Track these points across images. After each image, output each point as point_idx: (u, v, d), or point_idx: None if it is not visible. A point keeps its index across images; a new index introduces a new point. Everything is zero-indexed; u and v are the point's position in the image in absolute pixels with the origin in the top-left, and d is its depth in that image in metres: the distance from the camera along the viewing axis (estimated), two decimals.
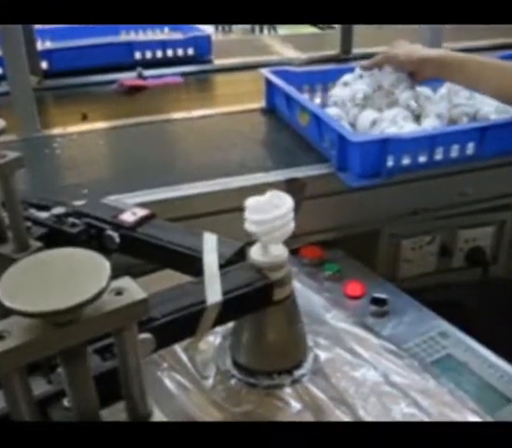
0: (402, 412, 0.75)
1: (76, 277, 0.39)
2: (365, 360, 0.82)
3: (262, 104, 1.41)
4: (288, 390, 0.76)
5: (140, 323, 0.57)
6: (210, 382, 0.78)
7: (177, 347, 0.80)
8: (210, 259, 0.70)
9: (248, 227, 0.70)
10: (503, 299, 1.27)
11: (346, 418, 0.73)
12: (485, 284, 1.31)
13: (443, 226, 1.27)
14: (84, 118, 1.40)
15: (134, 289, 0.42)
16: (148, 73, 1.66)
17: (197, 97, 1.62)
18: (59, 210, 0.80)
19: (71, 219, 0.80)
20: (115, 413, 0.48)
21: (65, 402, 0.50)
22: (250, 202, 0.70)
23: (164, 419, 0.48)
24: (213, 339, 0.84)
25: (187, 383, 0.77)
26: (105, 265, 0.40)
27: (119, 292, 0.42)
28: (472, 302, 1.27)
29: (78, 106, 1.45)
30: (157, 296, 0.64)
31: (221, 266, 0.70)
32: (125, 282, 0.42)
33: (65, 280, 0.39)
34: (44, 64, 1.62)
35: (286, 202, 0.71)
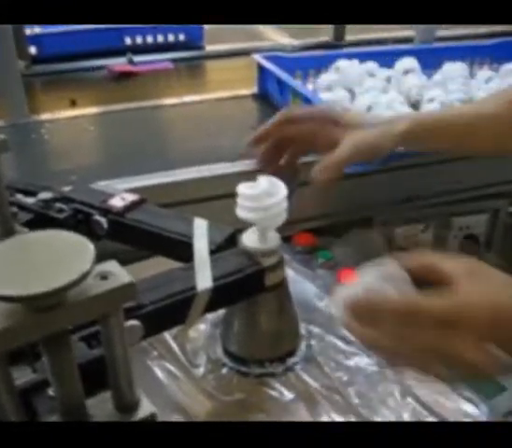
0: (396, 400, 0.73)
1: (58, 260, 0.38)
2: (359, 348, 0.81)
3: (253, 89, 1.39)
4: (280, 379, 0.75)
5: (128, 310, 0.56)
6: (201, 370, 0.76)
7: (167, 335, 0.79)
8: (201, 245, 0.68)
9: (241, 214, 0.68)
10: None
11: (339, 407, 0.72)
12: None
13: (437, 214, 1.25)
14: (73, 103, 1.37)
15: (120, 273, 0.40)
16: (138, 59, 1.64)
17: (188, 83, 1.60)
18: (46, 195, 0.78)
19: (58, 205, 0.78)
20: (101, 402, 0.46)
21: (50, 392, 0.49)
22: (243, 189, 0.68)
23: (153, 409, 0.46)
24: (204, 327, 0.82)
25: (177, 371, 0.76)
26: (89, 247, 0.38)
27: (104, 276, 0.40)
28: None
29: (66, 92, 1.43)
30: (145, 282, 0.62)
31: (212, 252, 0.69)
32: (111, 266, 0.40)
33: (47, 263, 0.37)
34: (32, 49, 1.59)
35: (280, 189, 0.69)
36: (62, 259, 0.38)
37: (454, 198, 1.23)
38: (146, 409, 0.46)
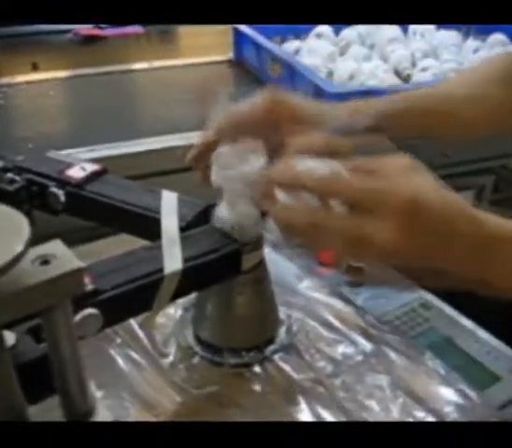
0: (385, 393, 0.67)
1: None
2: (343, 335, 0.74)
3: (229, 55, 1.31)
4: (257, 369, 0.69)
5: (84, 296, 0.48)
6: (169, 360, 0.69)
7: (132, 321, 0.71)
8: (169, 221, 0.61)
9: (216, 180, 0.61)
10: None
11: (323, 401, 0.65)
12: None
13: None
14: (35, 67, 1.28)
15: (65, 257, 0.32)
16: None
17: (159, 48, 1.51)
18: None
19: (9, 175, 0.69)
20: (48, 410, 0.38)
21: None
22: (219, 151, 0.60)
23: (110, 418, 0.39)
24: (173, 311, 0.75)
25: (142, 361, 0.69)
26: (22, 223, 0.30)
27: (45, 261, 0.32)
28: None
29: (28, 56, 1.34)
30: (105, 264, 0.55)
31: (182, 229, 0.61)
32: (54, 247, 0.32)
33: None
34: None
35: (259, 154, 0.62)
36: None
37: (439, 173, 1.17)
38: (102, 418, 0.39)
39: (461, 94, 0.75)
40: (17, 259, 0.29)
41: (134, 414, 0.63)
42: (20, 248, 0.29)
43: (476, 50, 1.28)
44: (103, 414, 0.45)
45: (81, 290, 0.33)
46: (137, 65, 1.28)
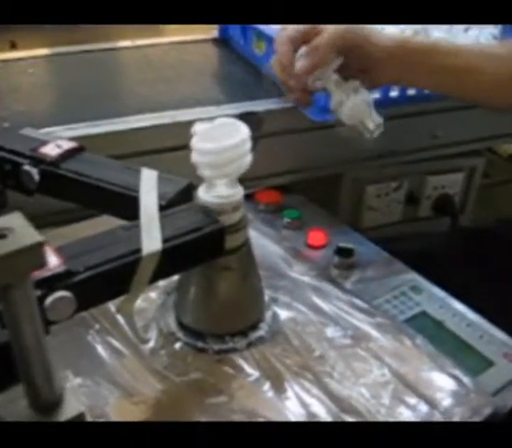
0: (375, 379, 0.64)
1: None
2: (331, 319, 0.72)
3: (214, 34, 1.27)
4: (243, 355, 0.66)
5: (56, 278, 0.45)
6: (150, 346, 0.66)
7: (112, 305, 0.68)
8: (148, 200, 0.57)
9: (195, 158, 0.58)
10: (473, 250, 1.19)
11: (310, 387, 0.63)
12: (454, 234, 1.23)
13: (411, 171, 1.18)
14: (13, 46, 1.24)
15: (23, 230, 0.29)
16: None
17: (143, 26, 1.45)
18: None
19: None
20: (12, 400, 0.35)
21: None
22: (197, 127, 0.57)
23: (80, 408, 0.36)
24: (155, 296, 0.72)
25: (122, 347, 0.66)
26: None
27: (2, 235, 0.29)
28: (440, 254, 1.18)
29: (5, 34, 1.29)
30: (79, 244, 0.51)
31: (162, 208, 0.58)
32: (12, 220, 0.29)
33: None
34: None
35: (240, 129, 0.59)
36: None
37: (430, 155, 1.15)
38: (71, 408, 0.36)
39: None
40: None
41: (112, 402, 0.60)
42: None
43: (466, 29, 1.25)
44: (80, 402, 0.42)
45: (41, 267, 0.29)
46: (120, 43, 1.23)
